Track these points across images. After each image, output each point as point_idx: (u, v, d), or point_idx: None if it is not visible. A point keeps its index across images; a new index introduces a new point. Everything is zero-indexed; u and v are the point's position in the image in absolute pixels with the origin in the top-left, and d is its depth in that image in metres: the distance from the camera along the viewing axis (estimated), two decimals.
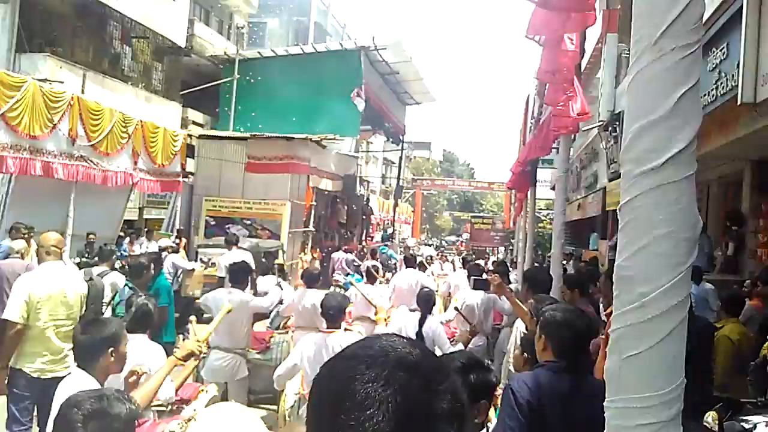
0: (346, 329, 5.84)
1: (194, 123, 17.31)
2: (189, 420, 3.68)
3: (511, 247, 26.14)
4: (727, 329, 5.27)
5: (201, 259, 14.28)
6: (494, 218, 36.27)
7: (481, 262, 14.10)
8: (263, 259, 12.08)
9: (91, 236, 12.03)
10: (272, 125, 16.48)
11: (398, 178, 30.31)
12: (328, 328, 5.01)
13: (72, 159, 11.07)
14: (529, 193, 10.92)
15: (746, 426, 4.01)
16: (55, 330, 4.57)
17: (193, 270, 11.63)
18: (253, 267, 9.65)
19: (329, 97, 17.40)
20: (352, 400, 0.74)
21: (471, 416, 2.04)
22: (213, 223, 16.16)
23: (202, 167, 16.10)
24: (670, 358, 0.97)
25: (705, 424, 3.57)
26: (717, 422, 3.51)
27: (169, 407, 4.61)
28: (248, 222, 16.10)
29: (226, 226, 16.04)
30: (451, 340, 6.31)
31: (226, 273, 7.60)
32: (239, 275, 5.97)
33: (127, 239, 13.94)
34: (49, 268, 4.66)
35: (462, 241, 41.74)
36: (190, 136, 15.72)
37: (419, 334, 6.00)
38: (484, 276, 7.27)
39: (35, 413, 4.65)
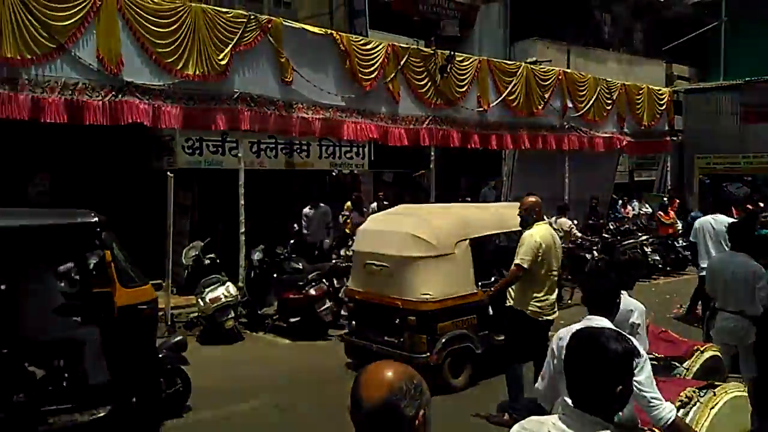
0: None
1: (679, 78, 16.52)
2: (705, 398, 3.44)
3: None
4: None
5: None
6: None
7: None
8: None
9: (594, 200, 12.89)
10: None
11: None
12: None
13: (563, 131, 12.24)
14: None
15: None
16: (552, 278, 5.47)
17: None
18: None
19: None
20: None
21: None
22: (708, 181, 15.29)
23: (691, 123, 15.34)
24: None
25: None
26: None
27: (661, 362, 4.66)
28: (749, 179, 14.63)
29: (723, 184, 14.93)
30: None
31: None
32: (743, 238, 5.61)
33: (620, 202, 14.43)
34: (542, 227, 5.52)
35: None
36: (675, 92, 15.12)
37: None
38: None
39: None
